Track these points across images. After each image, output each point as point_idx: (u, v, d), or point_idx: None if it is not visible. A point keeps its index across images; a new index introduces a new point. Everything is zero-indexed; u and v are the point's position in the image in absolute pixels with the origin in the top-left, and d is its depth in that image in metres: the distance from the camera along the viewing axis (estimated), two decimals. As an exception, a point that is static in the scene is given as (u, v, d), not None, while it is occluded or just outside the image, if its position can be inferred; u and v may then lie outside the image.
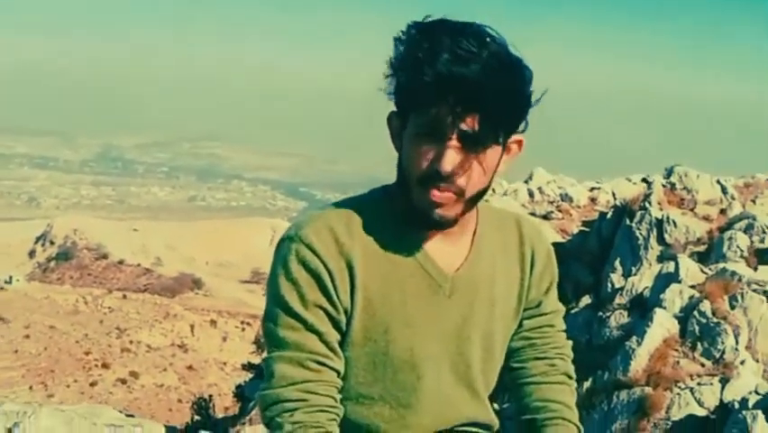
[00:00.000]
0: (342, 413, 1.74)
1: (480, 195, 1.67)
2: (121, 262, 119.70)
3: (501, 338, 1.89)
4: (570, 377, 2.00)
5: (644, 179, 19.63)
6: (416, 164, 1.61)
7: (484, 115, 1.56)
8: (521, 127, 1.68)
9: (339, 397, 1.73)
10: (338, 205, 1.79)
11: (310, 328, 1.68)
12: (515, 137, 1.70)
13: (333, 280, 1.69)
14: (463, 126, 1.55)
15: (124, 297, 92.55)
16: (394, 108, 1.70)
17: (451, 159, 1.57)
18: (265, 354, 1.76)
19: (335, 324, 1.71)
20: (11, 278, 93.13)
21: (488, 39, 1.58)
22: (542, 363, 1.98)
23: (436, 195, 1.60)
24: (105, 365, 73.32)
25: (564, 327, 2.04)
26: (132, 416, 24.37)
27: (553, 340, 2.00)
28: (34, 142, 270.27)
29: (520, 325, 1.96)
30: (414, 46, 1.59)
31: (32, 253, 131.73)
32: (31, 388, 66.77)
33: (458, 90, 1.54)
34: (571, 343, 2.05)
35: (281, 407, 1.68)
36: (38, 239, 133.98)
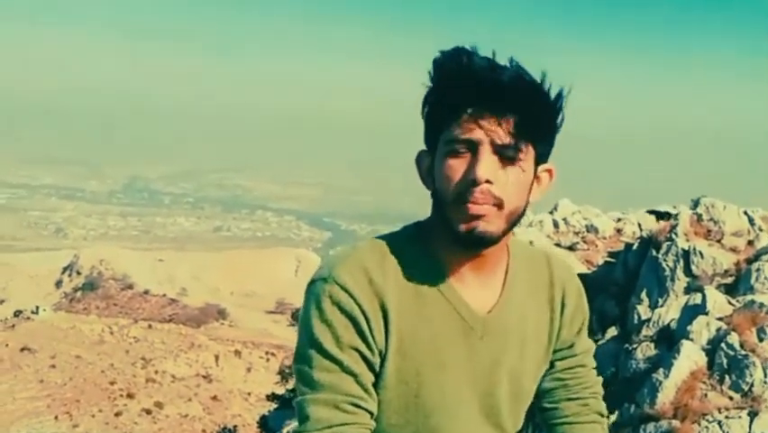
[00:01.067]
0: None
1: (518, 215, 1.65)
2: (146, 293, 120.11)
3: (531, 379, 1.88)
4: (602, 415, 2.00)
5: (666, 213, 19.54)
6: (451, 181, 1.59)
7: (517, 121, 1.56)
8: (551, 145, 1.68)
9: None
10: (371, 242, 1.78)
11: (346, 370, 1.65)
12: (545, 166, 1.70)
13: (368, 322, 1.66)
14: (498, 133, 1.56)
15: (150, 327, 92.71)
16: (422, 148, 1.71)
17: (485, 166, 1.56)
18: (298, 397, 1.72)
19: (370, 366, 1.69)
20: (38, 308, 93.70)
21: (513, 60, 1.60)
22: (574, 403, 1.98)
23: (474, 208, 1.58)
24: (130, 395, 73.34)
25: (594, 364, 2.04)
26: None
27: (585, 380, 2.00)
28: (62, 172, 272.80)
29: (552, 366, 1.95)
30: (448, 61, 1.60)
31: (58, 284, 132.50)
32: (56, 418, 66.85)
33: (492, 94, 1.56)
34: (601, 379, 2.04)
35: None
36: (65, 269, 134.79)
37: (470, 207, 1.58)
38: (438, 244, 1.71)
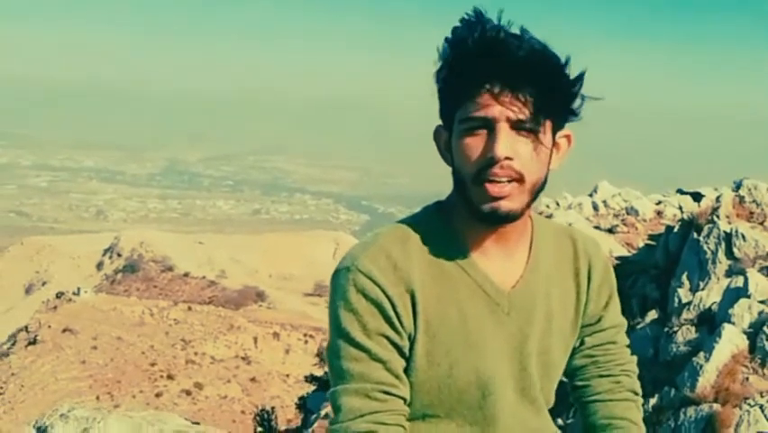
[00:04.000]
0: None
1: (539, 187, 1.65)
2: (186, 275, 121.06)
3: (559, 354, 1.86)
4: (636, 393, 1.98)
5: (698, 194, 19.33)
6: (469, 160, 1.60)
7: (534, 96, 1.55)
8: (572, 116, 1.67)
9: (407, 424, 1.71)
10: (392, 227, 1.78)
11: (374, 358, 1.66)
12: (563, 132, 1.70)
13: (394, 307, 1.67)
14: (513, 109, 1.55)
15: (189, 309, 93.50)
16: (439, 123, 1.71)
17: (504, 143, 1.55)
18: (331, 388, 1.73)
19: (399, 351, 1.69)
20: (79, 290, 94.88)
21: (526, 32, 1.59)
22: (606, 380, 1.95)
23: (496, 189, 1.58)
24: (170, 376, 74.17)
25: (628, 341, 2.01)
26: (197, 423, 24.64)
27: (617, 356, 1.97)
28: (102, 156, 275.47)
29: (582, 342, 1.94)
30: (463, 37, 1.59)
31: (99, 266, 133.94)
32: (97, 398, 67.78)
33: (507, 71, 1.54)
34: (635, 358, 2.01)
35: None
36: (105, 252, 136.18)
37: (490, 188, 1.58)
38: (460, 220, 1.72)
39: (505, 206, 1.59)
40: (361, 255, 1.70)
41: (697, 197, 20.15)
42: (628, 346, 2.02)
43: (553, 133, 1.65)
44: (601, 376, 1.96)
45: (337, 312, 1.68)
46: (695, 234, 13.95)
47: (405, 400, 1.71)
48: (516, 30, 1.59)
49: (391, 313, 1.66)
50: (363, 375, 1.66)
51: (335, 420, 1.68)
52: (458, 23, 1.61)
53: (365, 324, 1.66)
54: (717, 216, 14.19)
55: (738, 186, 16.17)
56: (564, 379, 1.96)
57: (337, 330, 1.68)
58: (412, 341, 1.70)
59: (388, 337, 1.67)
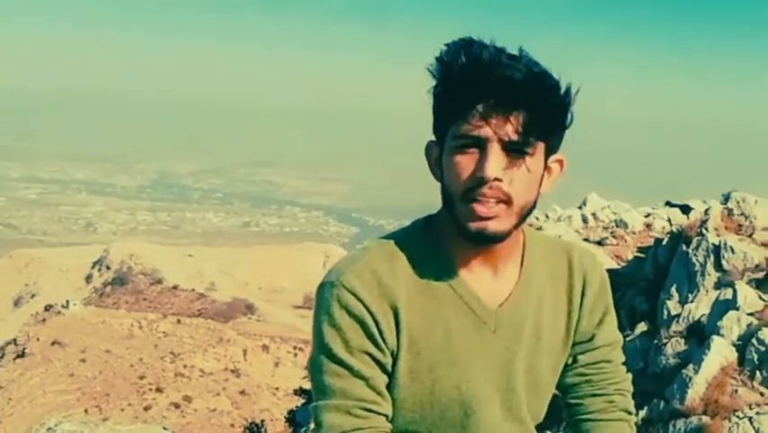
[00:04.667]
0: None
1: (529, 209, 1.63)
2: (175, 288, 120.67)
3: (548, 372, 1.85)
4: (629, 413, 1.96)
5: (686, 206, 19.39)
6: (459, 178, 1.58)
7: (526, 117, 1.53)
8: (560, 144, 1.67)
9: None
10: (379, 242, 1.77)
11: (356, 374, 1.66)
12: (555, 157, 1.68)
13: (377, 324, 1.66)
14: (505, 130, 1.53)
15: (179, 321, 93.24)
16: (432, 139, 1.70)
17: (494, 164, 1.53)
18: (313, 403, 1.72)
19: (382, 367, 1.68)
20: (68, 302, 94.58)
21: (523, 52, 1.57)
22: (599, 399, 1.94)
23: (483, 210, 1.56)
24: (158, 389, 73.91)
25: (623, 359, 1.99)
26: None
27: (611, 375, 1.95)
28: (92, 168, 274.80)
29: (575, 360, 1.92)
30: (456, 55, 1.57)
31: (88, 278, 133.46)
32: (86, 411, 67.46)
33: (501, 90, 1.52)
34: (630, 376, 2.00)
35: None
36: (95, 264, 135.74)
37: (478, 208, 1.56)
38: (448, 237, 1.70)
39: (492, 226, 1.58)
40: (346, 270, 1.68)
41: (685, 209, 20.21)
42: (624, 364, 2.00)
43: (546, 156, 1.63)
44: (594, 395, 1.94)
45: (321, 327, 1.67)
46: (684, 247, 13.99)
47: (387, 416, 1.70)
48: (513, 50, 1.58)
49: (374, 330, 1.65)
50: (345, 391, 1.65)
51: None
52: (449, 43, 1.59)
53: (348, 340, 1.65)
54: (706, 229, 14.23)
55: (727, 198, 16.22)
56: (558, 393, 1.96)
57: (320, 346, 1.67)
58: (395, 358, 1.69)
59: (370, 354, 1.66)
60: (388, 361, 1.69)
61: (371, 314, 1.65)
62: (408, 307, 1.68)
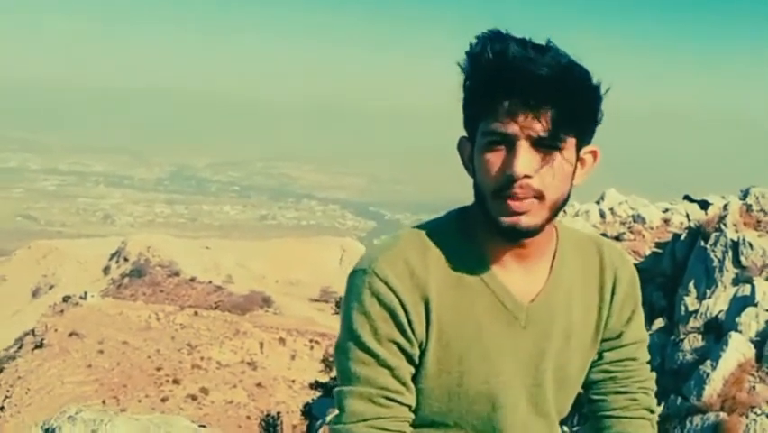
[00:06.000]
0: None
1: (562, 202, 1.62)
2: (192, 280, 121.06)
3: (577, 369, 1.85)
4: (651, 411, 1.96)
5: (704, 202, 19.29)
6: (489, 175, 1.57)
7: (555, 114, 1.52)
8: (592, 130, 1.65)
9: (410, 431, 1.70)
10: (412, 231, 1.75)
11: (382, 363, 1.65)
12: (588, 148, 1.67)
13: (407, 315, 1.65)
14: (535, 127, 1.52)
15: (196, 314, 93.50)
16: (464, 134, 1.68)
17: (523, 161, 1.52)
18: (337, 388, 1.72)
19: (409, 358, 1.68)
20: (86, 294, 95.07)
21: (552, 44, 1.56)
22: (623, 397, 1.93)
23: (515, 205, 1.55)
24: (175, 381, 74.18)
25: (648, 357, 1.98)
26: (204, 426, 24.62)
27: (636, 373, 1.95)
28: (110, 160, 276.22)
29: (600, 356, 1.91)
30: (482, 50, 1.56)
31: (106, 270, 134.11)
32: (103, 402, 67.75)
33: (528, 87, 1.51)
34: (654, 375, 1.99)
35: None
36: (112, 256, 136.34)
37: (510, 204, 1.56)
38: (481, 231, 1.69)
39: (524, 221, 1.57)
40: (379, 258, 1.68)
41: (704, 205, 20.11)
42: (649, 362, 1.99)
43: (578, 149, 1.62)
44: (618, 393, 1.93)
45: (350, 313, 1.67)
46: (702, 243, 13.94)
47: (410, 407, 1.69)
48: (542, 42, 1.56)
49: (404, 320, 1.65)
50: (369, 379, 1.65)
51: (338, 420, 1.68)
52: (479, 36, 1.58)
53: (377, 329, 1.64)
54: (725, 225, 14.17)
55: (746, 194, 16.14)
56: (581, 389, 1.94)
57: (348, 331, 1.67)
58: (423, 349, 1.68)
59: (398, 344, 1.66)
60: (415, 352, 1.68)
61: (402, 304, 1.64)
62: (439, 299, 1.67)
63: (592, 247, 1.87)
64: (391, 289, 1.64)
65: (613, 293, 1.85)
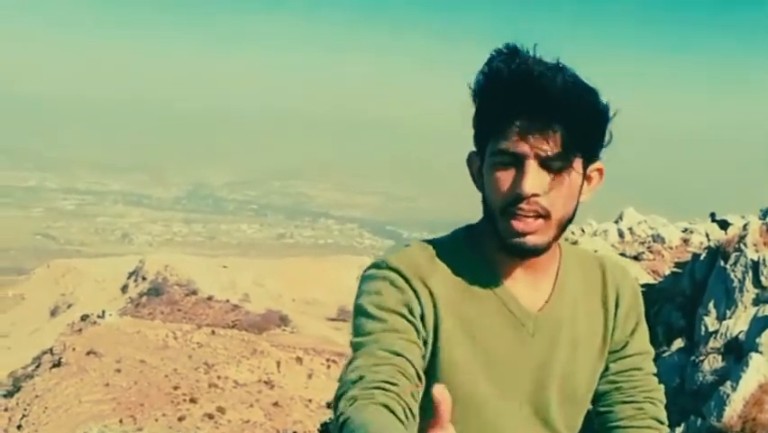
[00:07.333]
0: (409, 401, 1.54)
1: (568, 220, 1.65)
2: (210, 299, 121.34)
3: (584, 380, 1.84)
4: (660, 422, 1.93)
5: (724, 221, 19.19)
6: (497, 192, 1.60)
7: (565, 134, 1.54)
8: (600, 153, 1.67)
9: (412, 400, 1.55)
10: (421, 243, 1.78)
11: (390, 328, 1.62)
12: (595, 165, 1.69)
13: (420, 305, 1.66)
14: (544, 147, 1.55)
15: (213, 332, 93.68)
16: (473, 149, 1.71)
17: (532, 180, 1.55)
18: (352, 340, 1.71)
19: (417, 331, 1.65)
20: (104, 312, 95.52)
21: (562, 65, 1.59)
22: (629, 406, 1.92)
23: (521, 226, 1.58)
24: (192, 400, 74.21)
25: (654, 370, 1.98)
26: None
27: (641, 384, 1.93)
28: (128, 179, 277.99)
29: (606, 368, 1.91)
30: (495, 68, 1.59)
31: (124, 289, 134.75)
32: (121, 421, 67.93)
33: (543, 106, 1.53)
34: (662, 387, 1.98)
35: (341, 390, 1.56)
36: (130, 275, 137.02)
37: (516, 224, 1.59)
38: (488, 245, 1.72)
39: (531, 241, 1.60)
40: (390, 257, 1.72)
41: (724, 224, 20.02)
42: (655, 375, 1.98)
43: (585, 167, 1.64)
44: (624, 403, 1.92)
45: (361, 296, 1.68)
46: (722, 262, 13.83)
47: (414, 368, 1.59)
48: (550, 60, 1.58)
49: (415, 306, 1.65)
50: (378, 340, 1.61)
51: (344, 376, 1.58)
52: (491, 55, 1.60)
53: (385, 301, 1.64)
54: (745, 244, 14.06)
55: (766, 214, 16.06)
56: (590, 406, 1.95)
57: (358, 311, 1.67)
58: (428, 350, 1.69)
59: (405, 317, 1.64)
60: (421, 332, 1.66)
61: (414, 289, 1.66)
62: (446, 304, 1.69)
63: (594, 262, 1.89)
64: (403, 276, 1.67)
65: (617, 306, 1.87)
